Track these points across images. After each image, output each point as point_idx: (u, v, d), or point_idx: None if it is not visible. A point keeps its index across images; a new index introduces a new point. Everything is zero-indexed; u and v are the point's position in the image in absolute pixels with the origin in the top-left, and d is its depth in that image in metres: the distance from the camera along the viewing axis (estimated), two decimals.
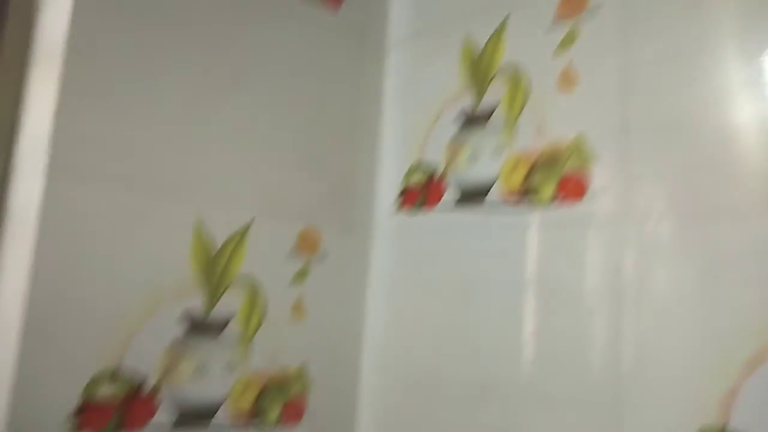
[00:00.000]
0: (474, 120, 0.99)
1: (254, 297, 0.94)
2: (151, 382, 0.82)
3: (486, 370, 0.91)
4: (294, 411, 0.98)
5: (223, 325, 0.90)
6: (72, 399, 0.75)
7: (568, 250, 0.85)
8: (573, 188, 0.84)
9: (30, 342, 0.73)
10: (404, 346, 1.03)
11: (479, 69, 1.01)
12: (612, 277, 0.80)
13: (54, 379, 0.74)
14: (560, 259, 0.86)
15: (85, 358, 0.77)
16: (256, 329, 0.94)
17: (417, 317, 1.02)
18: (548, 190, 0.87)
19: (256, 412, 0.93)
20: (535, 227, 0.88)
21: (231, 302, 0.91)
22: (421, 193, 1.04)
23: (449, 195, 1.00)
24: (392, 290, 1.07)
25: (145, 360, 0.82)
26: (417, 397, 1.00)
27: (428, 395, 0.98)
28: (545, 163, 0.88)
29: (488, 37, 0.99)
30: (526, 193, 0.90)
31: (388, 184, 1.10)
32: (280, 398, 0.96)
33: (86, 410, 0.76)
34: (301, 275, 1.01)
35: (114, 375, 0.79)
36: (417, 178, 1.06)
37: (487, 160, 0.94)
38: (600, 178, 0.83)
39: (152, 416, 0.82)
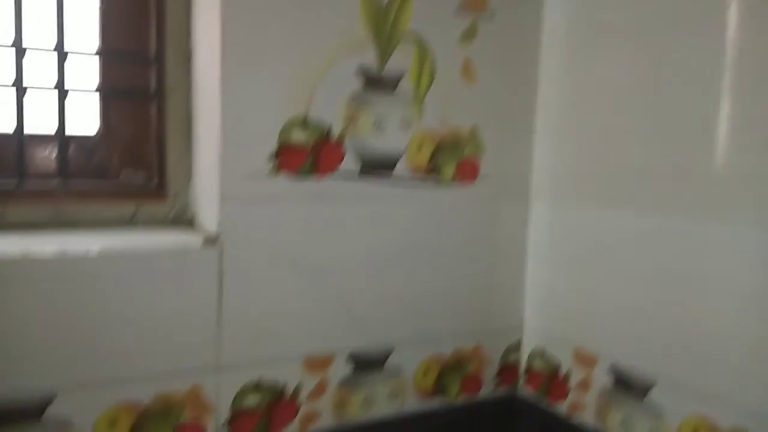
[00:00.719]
0: None
1: (423, 55, 0.94)
2: (336, 131, 0.88)
3: (673, 150, 0.84)
4: (468, 170, 1.00)
5: (396, 81, 0.92)
6: (271, 142, 0.84)
7: None
8: None
9: (229, 91, 0.81)
10: (580, 115, 0.98)
11: None
12: None
13: (254, 124, 0.83)
14: None
15: (276, 106, 0.84)
16: (427, 88, 0.95)
17: (596, 82, 0.95)
18: None
19: (432, 169, 0.97)
20: None
21: (402, 60, 0.92)
22: None
23: None
24: (568, 51, 1.00)
25: (328, 110, 0.87)
26: (592, 169, 0.96)
27: (605, 169, 0.94)
28: None
29: None
30: None
31: None
32: (454, 157, 0.99)
33: (283, 153, 0.85)
34: (469, 35, 0.98)
35: (304, 123, 0.86)
36: None
37: None
38: None
39: (341, 162, 0.89)
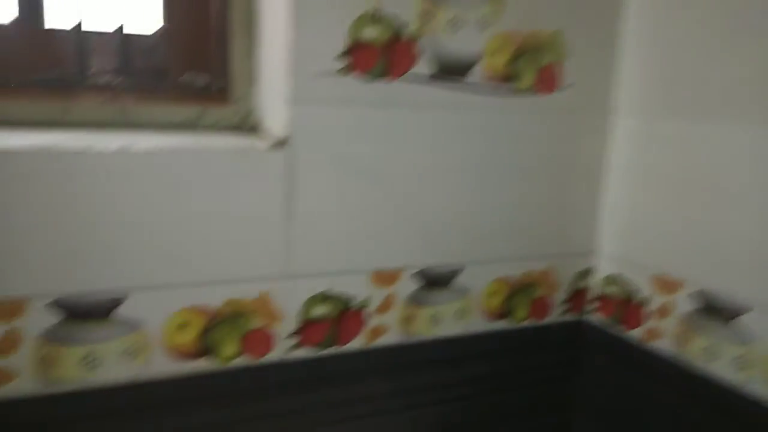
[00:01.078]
0: None
1: None
2: (410, 29, 0.81)
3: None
4: (549, 78, 0.92)
5: None
6: (341, 39, 0.78)
7: None
8: None
9: None
10: (674, 17, 0.88)
11: None
12: None
13: (324, 19, 0.76)
14: None
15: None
16: None
17: None
18: None
19: (509, 75, 0.89)
20: None
21: None
22: None
23: None
24: None
25: (402, 4, 0.80)
26: (686, 79, 0.87)
27: (700, 79, 0.84)
28: None
29: None
30: None
31: None
32: (534, 63, 0.90)
33: (354, 51, 0.79)
34: None
35: (375, 17, 0.79)
36: None
37: None
38: None
39: (413, 65, 0.83)
